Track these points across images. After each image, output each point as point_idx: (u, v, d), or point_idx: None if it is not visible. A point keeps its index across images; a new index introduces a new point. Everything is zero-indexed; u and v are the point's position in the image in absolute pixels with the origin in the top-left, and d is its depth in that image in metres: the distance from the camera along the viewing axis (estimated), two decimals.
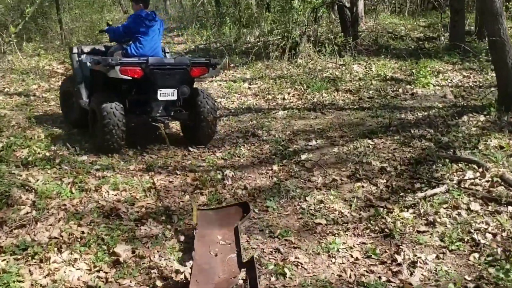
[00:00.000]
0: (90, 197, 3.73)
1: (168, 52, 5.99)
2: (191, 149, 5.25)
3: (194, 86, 5.22)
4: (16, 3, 11.13)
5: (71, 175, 4.02)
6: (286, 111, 6.68)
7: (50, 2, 12.40)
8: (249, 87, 8.13)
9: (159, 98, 4.76)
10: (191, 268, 2.74)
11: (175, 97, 4.85)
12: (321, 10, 10.82)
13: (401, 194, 3.89)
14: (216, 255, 2.92)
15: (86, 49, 5.60)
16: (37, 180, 3.79)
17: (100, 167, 4.33)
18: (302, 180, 4.35)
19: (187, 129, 5.46)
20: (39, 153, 4.54)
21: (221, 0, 15.18)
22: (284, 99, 7.37)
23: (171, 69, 4.74)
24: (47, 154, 4.52)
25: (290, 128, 5.95)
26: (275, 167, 4.65)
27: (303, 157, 4.86)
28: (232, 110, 6.96)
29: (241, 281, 2.69)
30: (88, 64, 5.21)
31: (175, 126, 5.98)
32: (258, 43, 10.91)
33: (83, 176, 4.04)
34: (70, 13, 14.24)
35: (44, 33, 12.31)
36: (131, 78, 4.57)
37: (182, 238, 3.23)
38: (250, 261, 2.70)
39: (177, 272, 2.77)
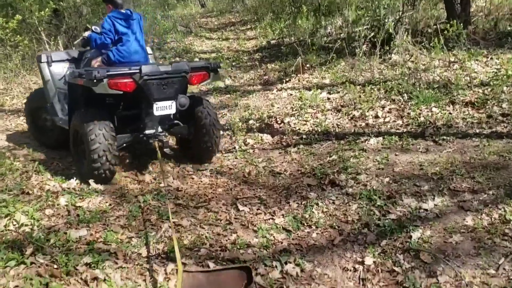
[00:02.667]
0: None
1: (150, 54, 5.12)
2: (240, 207, 3.62)
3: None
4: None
5: (40, 281, 2.55)
6: (380, 138, 4.74)
7: None
8: (328, 98, 6.26)
9: (155, 113, 4.02)
10: None
11: (173, 110, 4.09)
12: None
13: None
14: None
15: (57, 56, 4.80)
16: None
17: (93, 259, 2.80)
18: None
19: (184, 143, 4.74)
20: (23, 224, 3.18)
21: None
22: (376, 116, 5.39)
23: (168, 78, 3.95)
24: (31, 232, 3.12)
25: (388, 169, 4.04)
26: (368, 259, 2.83)
27: (415, 236, 2.98)
28: (304, 136, 5.17)
29: None
30: (65, 77, 4.60)
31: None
32: (341, 36, 8.92)
33: (59, 282, 2.56)
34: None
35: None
36: (122, 92, 3.81)
37: None
38: None
39: None
